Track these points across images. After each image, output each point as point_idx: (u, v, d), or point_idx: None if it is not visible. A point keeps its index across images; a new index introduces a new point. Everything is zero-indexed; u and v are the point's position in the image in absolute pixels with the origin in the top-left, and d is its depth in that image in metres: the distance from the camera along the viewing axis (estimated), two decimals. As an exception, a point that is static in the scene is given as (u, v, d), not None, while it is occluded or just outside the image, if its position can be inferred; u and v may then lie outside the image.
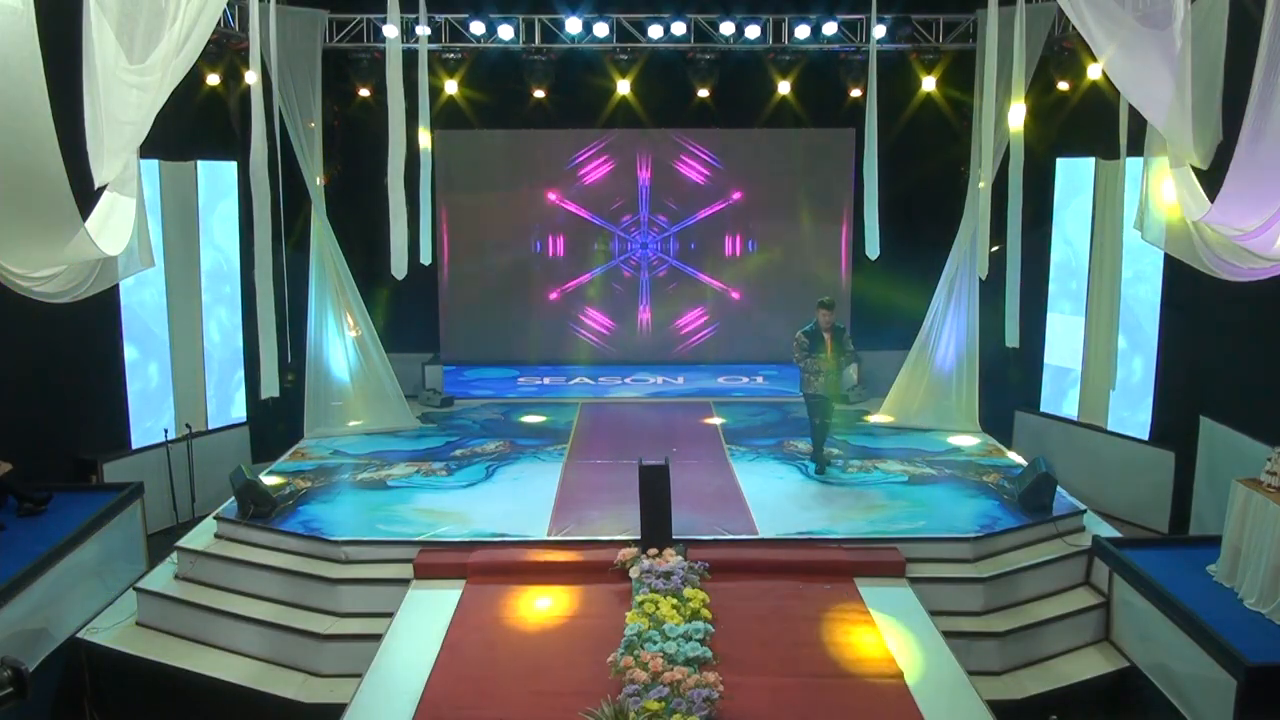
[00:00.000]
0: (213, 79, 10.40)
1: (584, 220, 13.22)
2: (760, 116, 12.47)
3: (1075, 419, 11.17)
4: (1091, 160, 10.87)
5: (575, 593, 7.57)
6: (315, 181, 10.98)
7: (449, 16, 11.38)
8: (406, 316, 12.61)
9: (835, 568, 7.85)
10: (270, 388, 9.41)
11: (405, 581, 7.79)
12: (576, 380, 13.23)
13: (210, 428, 11.12)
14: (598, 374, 13.23)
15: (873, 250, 10.16)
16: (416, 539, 8.20)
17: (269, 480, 9.39)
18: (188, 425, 10.42)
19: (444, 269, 12.96)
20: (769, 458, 10.40)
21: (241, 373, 11.54)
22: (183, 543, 8.56)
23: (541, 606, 7.38)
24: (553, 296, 13.35)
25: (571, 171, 13.11)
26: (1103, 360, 10.48)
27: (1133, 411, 10.55)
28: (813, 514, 8.74)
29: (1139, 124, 8.08)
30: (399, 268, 9.37)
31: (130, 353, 10.32)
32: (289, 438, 11.07)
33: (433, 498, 9.21)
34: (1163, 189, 7.95)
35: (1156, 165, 8.13)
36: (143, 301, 10.47)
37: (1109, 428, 10.72)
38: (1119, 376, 10.12)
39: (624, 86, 11.84)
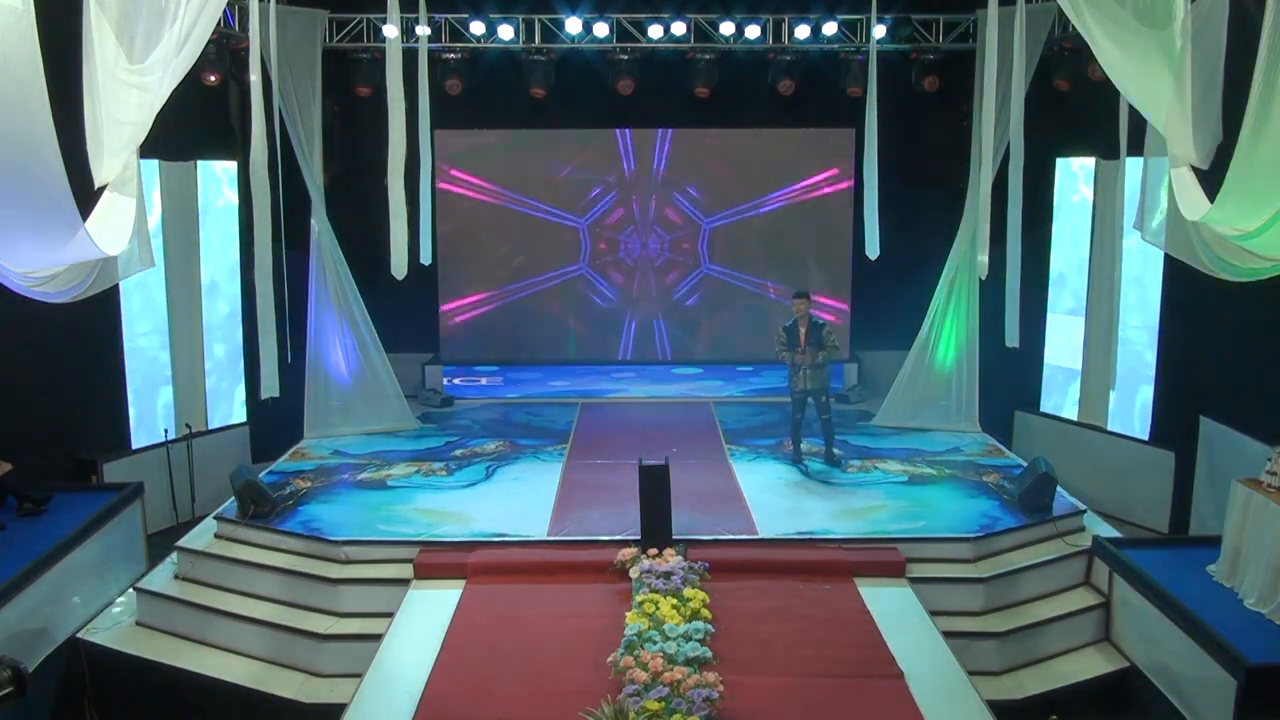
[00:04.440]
0: (213, 79, 10.40)
1: (584, 220, 13.22)
2: (760, 116, 12.47)
3: (1075, 419, 11.17)
4: (1091, 160, 10.88)
5: (575, 593, 7.56)
6: (315, 181, 10.98)
7: (449, 16, 11.37)
8: (406, 316, 12.61)
9: (835, 568, 7.85)
10: (270, 388, 9.41)
11: (405, 581, 7.80)
12: (576, 380, 13.22)
13: (210, 428, 11.12)
14: (598, 374, 13.23)
15: (873, 250, 10.16)
16: (416, 539, 8.21)
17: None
18: (188, 425, 10.42)
19: (444, 269, 12.95)
20: (769, 458, 10.40)
21: (242, 372, 11.54)
22: (183, 543, 8.57)
23: (541, 606, 7.38)
24: (553, 296, 13.35)
25: (571, 171, 13.12)
26: (1102, 360, 10.48)
27: (1126, 412, 10.57)
28: (813, 514, 8.74)
29: (1139, 124, 8.07)
30: (399, 268, 9.37)
31: (130, 353, 10.33)
32: (289, 438, 11.07)
33: (433, 498, 9.22)
34: (1162, 189, 7.96)
35: (1156, 165, 8.14)
36: (143, 302, 10.48)
37: (1109, 427, 10.73)
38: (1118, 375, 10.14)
39: (624, 87, 11.84)
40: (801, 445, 10.28)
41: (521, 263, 13.24)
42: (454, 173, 12.92)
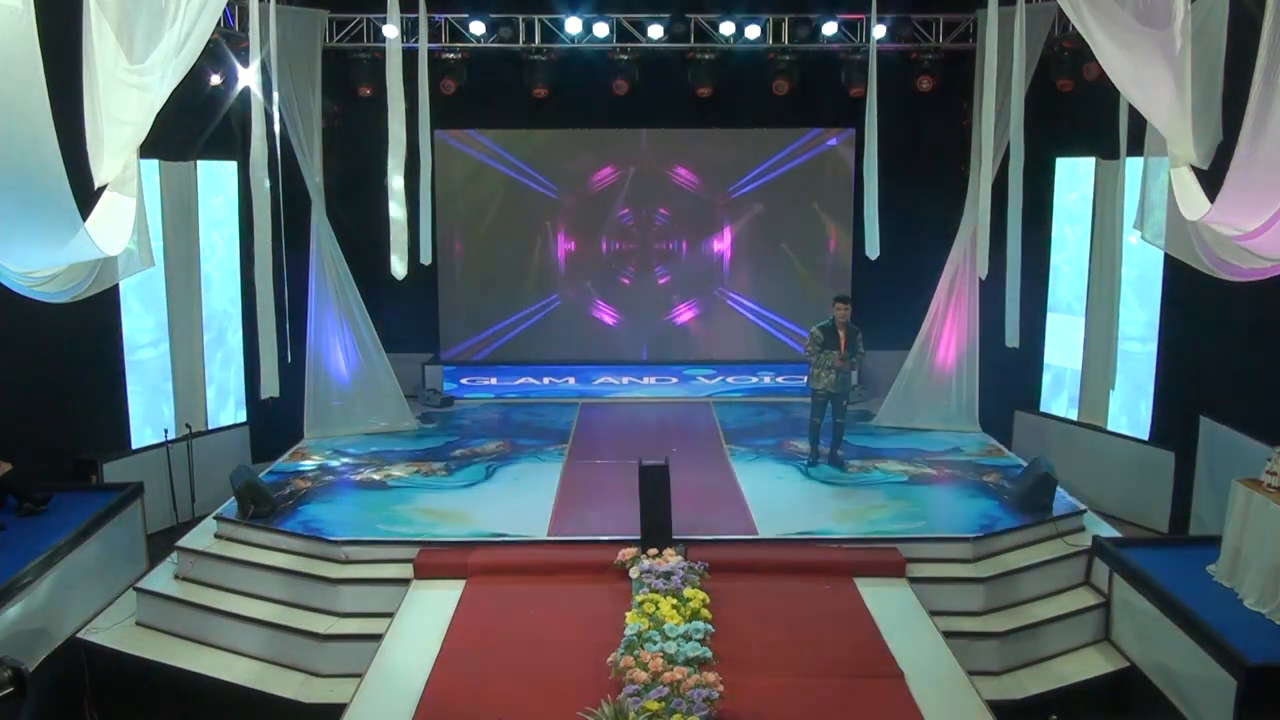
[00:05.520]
0: (213, 79, 10.39)
1: (584, 220, 13.22)
2: (760, 116, 12.47)
3: (1075, 419, 11.17)
4: (1092, 160, 10.87)
5: (575, 593, 7.57)
6: (315, 181, 10.98)
7: (449, 16, 11.38)
8: (406, 316, 12.60)
9: (835, 568, 7.85)
10: (270, 388, 9.40)
11: (405, 581, 7.80)
12: (576, 380, 13.23)
13: (210, 428, 11.12)
14: (597, 374, 13.24)
15: (873, 250, 10.14)
16: (416, 539, 8.20)
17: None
18: (188, 425, 10.42)
19: (444, 269, 12.96)
20: (769, 458, 10.41)
21: (242, 373, 11.53)
22: (183, 543, 8.57)
23: (541, 606, 7.38)
24: (552, 296, 13.36)
25: (571, 171, 13.12)
26: (1103, 360, 10.48)
27: (1129, 410, 10.56)
28: (813, 514, 8.74)
29: (1139, 124, 8.07)
30: (399, 268, 9.36)
31: (130, 353, 10.33)
32: (289, 438, 11.07)
33: (433, 498, 9.22)
34: (1162, 189, 7.95)
35: (1156, 165, 8.14)
36: (142, 301, 10.48)
37: (1109, 427, 10.72)
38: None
39: (624, 86, 11.83)
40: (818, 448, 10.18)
41: (519, 265, 13.24)
42: (455, 173, 12.91)
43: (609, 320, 13.44)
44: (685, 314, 13.45)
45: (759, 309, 13.34)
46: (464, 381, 13.17)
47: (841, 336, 9.74)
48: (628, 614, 6.77)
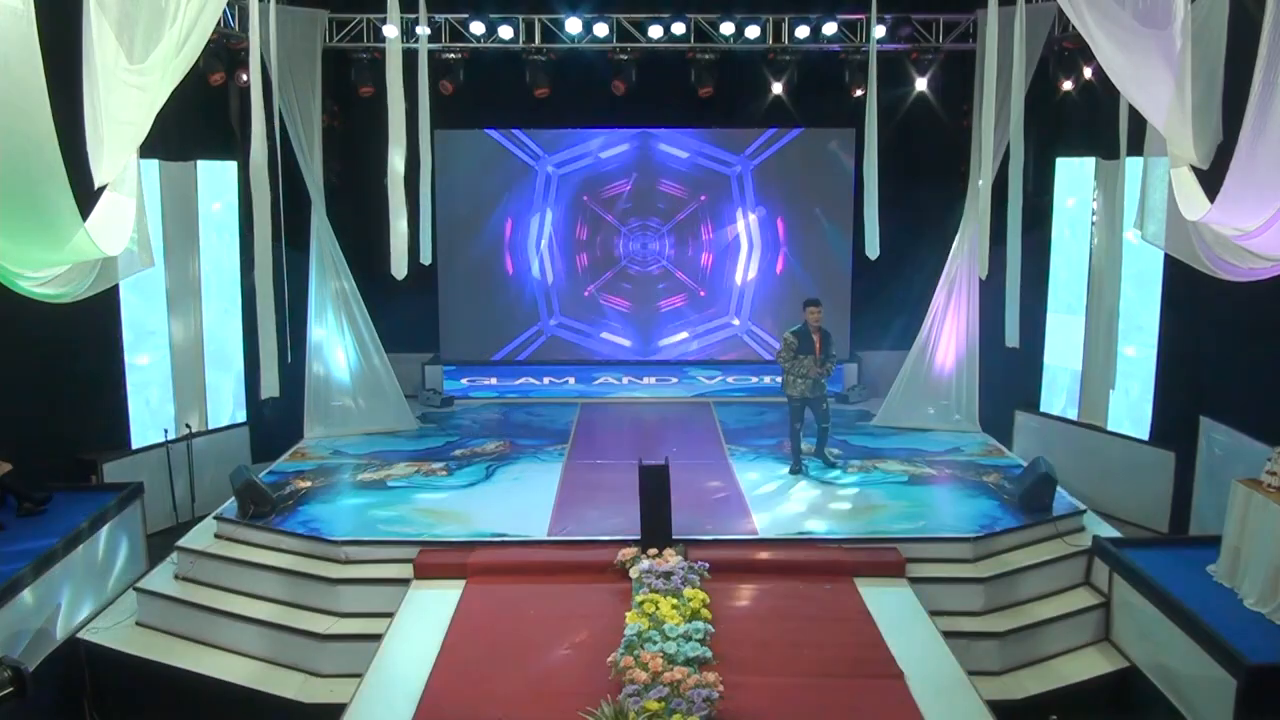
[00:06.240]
0: (213, 79, 10.39)
1: (584, 218, 13.22)
2: (760, 116, 12.48)
3: (1075, 419, 11.17)
4: (1092, 160, 10.87)
5: (575, 593, 7.56)
6: (315, 181, 10.98)
7: (449, 16, 11.38)
8: (406, 316, 12.60)
9: (835, 568, 7.85)
10: (270, 388, 9.41)
11: (405, 581, 7.80)
12: (576, 380, 13.23)
13: (210, 428, 11.12)
14: (597, 374, 13.24)
15: (873, 250, 10.15)
16: (416, 539, 8.21)
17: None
18: (188, 425, 10.42)
19: (444, 269, 12.96)
20: (769, 458, 10.40)
21: (242, 373, 11.54)
22: (183, 543, 8.57)
23: (541, 606, 7.38)
24: (552, 297, 13.36)
25: (571, 172, 13.12)
26: (1103, 360, 10.48)
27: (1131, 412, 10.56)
28: (813, 514, 8.75)
29: (1139, 124, 8.07)
30: (399, 268, 9.36)
31: (130, 353, 10.33)
32: (289, 438, 11.07)
33: (433, 498, 9.22)
34: (1162, 189, 7.95)
35: (1156, 165, 8.14)
36: (142, 301, 10.48)
37: (1109, 427, 10.72)
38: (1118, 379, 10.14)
39: (624, 86, 11.83)
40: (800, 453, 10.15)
41: (519, 264, 13.25)
42: (455, 173, 12.91)
43: (609, 320, 13.42)
44: (683, 314, 13.43)
45: (759, 309, 13.33)
46: (464, 382, 13.18)
47: (816, 341, 9.69)
48: (628, 614, 6.77)
